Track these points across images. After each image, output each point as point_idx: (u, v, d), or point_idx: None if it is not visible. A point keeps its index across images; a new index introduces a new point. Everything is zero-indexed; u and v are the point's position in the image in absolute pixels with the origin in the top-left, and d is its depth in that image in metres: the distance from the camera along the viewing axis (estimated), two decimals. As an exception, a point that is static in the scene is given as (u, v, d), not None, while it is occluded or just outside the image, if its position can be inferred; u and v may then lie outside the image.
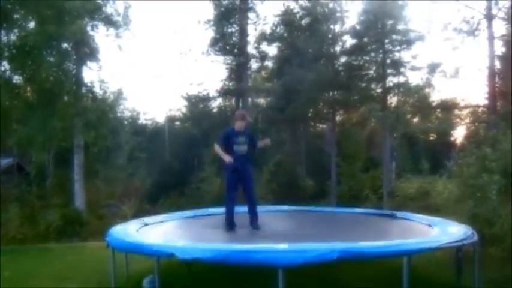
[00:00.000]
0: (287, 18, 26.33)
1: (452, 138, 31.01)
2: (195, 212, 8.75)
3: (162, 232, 6.41)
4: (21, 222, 14.77)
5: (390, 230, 7.01)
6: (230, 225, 6.53)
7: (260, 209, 8.79)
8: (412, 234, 5.70)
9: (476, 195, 7.16)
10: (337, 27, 24.85)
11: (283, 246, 4.27)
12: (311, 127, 32.89)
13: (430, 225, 6.16)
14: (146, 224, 6.79)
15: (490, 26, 19.48)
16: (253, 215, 6.59)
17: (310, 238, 5.07)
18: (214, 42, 26.52)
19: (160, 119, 45.49)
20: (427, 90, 22.02)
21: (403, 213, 8.05)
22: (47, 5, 12.42)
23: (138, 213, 16.03)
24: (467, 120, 23.91)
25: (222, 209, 9.36)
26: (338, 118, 27.82)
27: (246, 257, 4.24)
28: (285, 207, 9.59)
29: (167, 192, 26.16)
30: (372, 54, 23.48)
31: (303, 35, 25.19)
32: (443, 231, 5.46)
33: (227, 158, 6.07)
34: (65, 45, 14.46)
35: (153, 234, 5.94)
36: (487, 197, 6.87)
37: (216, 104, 30.88)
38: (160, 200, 24.99)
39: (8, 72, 13.47)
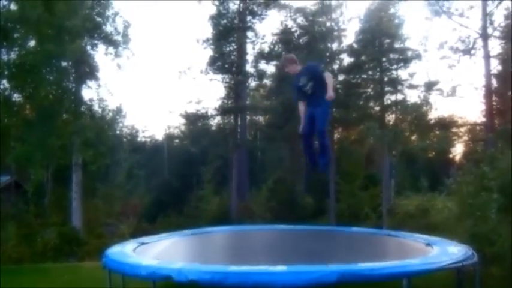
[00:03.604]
0: (285, 37, 26.55)
1: (450, 156, 31.03)
2: (193, 231, 8.68)
3: (159, 252, 6.34)
4: (18, 241, 14.63)
5: (389, 250, 6.95)
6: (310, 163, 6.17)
7: (258, 228, 8.74)
8: (412, 254, 5.64)
9: (475, 214, 7.15)
10: (334, 46, 25.09)
11: (281, 268, 4.22)
12: (310, 145, 32.87)
13: (429, 245, 6.10)
14: (143, 244, 6.72)
15: (485, 45, 19.69)
16: (321, 152, 6.02)
17: (309, 259, 5.02)
18: (212, 61, 26.69)
19: (159, 136, 45.60)
20: (424, 108, 22.12)
21: (401, 233, 7.99)
22: (47, 24, 12.53)
23: (136, 233, 15.92)
24: (465, 138, 23.96)
25: (220, 228, 9.35)
26: (336, 136, 27.86)
27: (244, 279, 4.18)
28: (283, 227, 9.52)
29: (165, 211, 26.04)
30: (370, 72, 23.65)
31: (301, 54, 25.38)
32: (443, 252, 5.40)
33: (301, 128, 5.81)
34: (64, 63, 14.57)
35: (150, 255, 5.87)
36: (487, 216, 6.86)
37: (214, 122, 30.93)
38: (159, 219, 24.85)
39: (7, 91, 13.53)
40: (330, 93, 5.52)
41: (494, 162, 7.83)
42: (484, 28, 19.63)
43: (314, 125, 5.76)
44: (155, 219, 24.66)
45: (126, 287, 6.19)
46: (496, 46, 20.42)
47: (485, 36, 19.63)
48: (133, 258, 5.35)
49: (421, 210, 19.67)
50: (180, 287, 5.69)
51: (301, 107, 5.93)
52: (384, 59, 22.57)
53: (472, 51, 20.10)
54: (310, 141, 6.06)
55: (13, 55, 13.38)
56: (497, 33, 20.04)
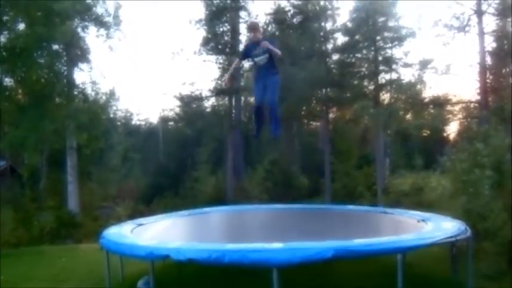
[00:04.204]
0: (279, 17, 26.30)
1: (445, 134, 31.17)
2: (190, 211, 8.73)
3: (157, 233, 6.39)
4: (15, 226, 14.66)
5: (384, 226, 7.04)
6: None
7: (255, 207, 8.81)
8: (406, 231, 5.72)
9: (469, 190, 7.21)
10: (328, 25, 24.92)
11: (277, 245, 4.27)
12: (304, 125, 32.95)
13: (423, 221, 6.18)
14: (140, 225, 6.76)
15: (480, 22, 19.62)
16: (273, 121, 6.23)
17: (304, 236, 5.07)
18: (206, 42, 26.45)
19: (154, 119, 45.46)
20: (419, 86, 22.13)
21: (396, 210, 8.08)
22: (36, 7, 12.32)
23: (132, 214, 15.99)
24: (460, 116, 24.03)
25: (216, 208, 9.42)
26: (331, 116, 27.86)
27: (240, 257, 4.23)
28: (279, 206, 9.59)
29: (161, 193, 26.14)
30: (364, 51, 23.55)
31: (294, 33, 25.18)
32: (437, 227, 5.48)
33: (226, 79, 6.07)
34: (55, 46, 14.37)
35: (147, 236, 5.92)
36: (480, 192, 6.92)
37: (209, 103, 30.84)
38: (155, 201, 24.95)
39: (-2, 75, 13.39)
40: (278, 51, 5.97)
41: (488, 140, 7.87)
42: (479, 4, 19.53)
43: (266, 95, 6.04)
44: (151, 201, 24.76)
45: (124, 269, 6.27)
46: (490, 23, 20.37)
47: (479, 12, 19.54)
48: (131, 239, 5.39)
49: (415, 189, 19.89)
50: (178, 266, 5.78)
51: (235, 65, 6.44)
52: (378, 38, 22.45)
53: (467, 29, 20.03)
54: (261, 110, 6.25)
55: (3, 38, 13.18)
56: (491, 10, 19.95)
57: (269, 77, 6.11)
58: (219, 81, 27.59)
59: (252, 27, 6.21)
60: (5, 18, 12.75)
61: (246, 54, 6.13)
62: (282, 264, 4.11)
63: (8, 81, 13.82)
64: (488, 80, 20.97)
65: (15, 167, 23.93)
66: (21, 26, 13.37)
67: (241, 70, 27.91)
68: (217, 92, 27.64)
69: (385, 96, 24.09)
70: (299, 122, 30.34)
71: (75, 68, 17.34)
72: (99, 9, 17.41)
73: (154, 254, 4.64)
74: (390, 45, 22.68)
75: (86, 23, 16.93)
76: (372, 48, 22.79)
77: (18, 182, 21.37)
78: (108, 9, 17.70)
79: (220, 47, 26.61)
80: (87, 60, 17.36)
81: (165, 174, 29.47)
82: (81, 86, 17.09)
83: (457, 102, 23.27)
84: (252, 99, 34.48)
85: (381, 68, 23.01)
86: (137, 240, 5.35)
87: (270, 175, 24.31)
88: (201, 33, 27.04)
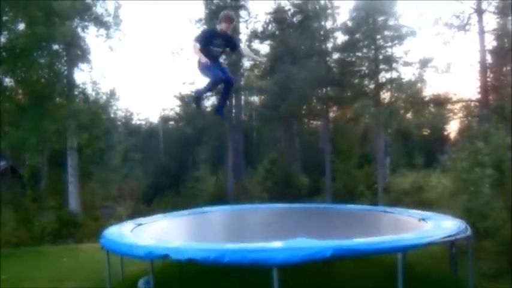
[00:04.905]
0: (279, 16, 26.30)
1: (445, 133, 31.17)
2: (190, 211, 8.73)
3: (157, 232, 6.39)
4: (16, 226, 14.67)
5: (384, 225, 7.04)
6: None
7: (254, 207, 8.81)
8: (406, 230, 5.72)
9: (469, 189, 7.19)
10: (328, 24, 24.90)
11: (277, 244, 4.27)
12: (305, 124, 32.94)
13: (423, 220, 6.18)
14: (140, 225, 6.77)
15: (480, 20, 19.58)
16: (225, 97, 6.37)
17: (304, 236, 5.07)
18: (206, 41, 26.43)
19: (154, 119, 45.45)
20: (419, 85, 22.09)
21: (397, 209, 8.08)
22: (36, 6, 12.31)
23: (133, 214, 15.99)
24: (460, 115, 24.00)
25: (216, 208, 9.41)
26: (332, 115, 27.86)
27: (240, 257, 4.23)
28: (279, 205, 9.59)
29: (162, 192, 26.17)
30: (364, 50, 23.51)
31: (294, 32, 25.17)
32: (437, 226, 5.48)
33: (203, 59, 5.52)
34: (55, 46, 14.37)
35: (147, 235, 5.92)
36: (480, 191, 6.91)
37: (209, 103, 30.80)
38: (156, 200, 24.97)
39: (-2, 75, 13.37)
40: (261, 58, 5.78)
41: (488, 138, 7.85)
42: (479, 3, 19.50)
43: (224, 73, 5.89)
44: (152, 201, 24.79)
45: (124, 268, 6.28)
46: (491, 21, 20.33)
47: (480, 11, 19.50)
48: (131, 239, 5.40)
49: (415, 187, 19.86)
50: (177, 266, 5.78)
51: (199, 50, 5.69)
52: (378, 37, 22.41)
53: (467, 27, 19.99)
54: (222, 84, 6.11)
55: (3, 39, 13.18)
56: (492, 8, 19.91)
57: (221, 64, 6.12)
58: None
59: (231, 20, 5.92)
60: (4, 18, 12.74)
61: (207, 40, 5.76)
62: (282, 264, 4.11)
63: (8, 81, 13.80)
64: (488, 79, 20.93)
65: (16, 167, 23.97)
66: (21, 26, 13.37)
67: (241, 69, 27.95)
68: (217, 91, 27.62)
69: (386, 95, 24.06)
70: (299, 121, 30.34)
71: (76, 68, 17.38)
72: (99, 9, 17.47)
73: (153, 253, 4.64)
74: (390, 44, 22.63)
75: (86, 23, 16.96)
76: (372, 47, 22.75)
77: (19, 182, 21.41)
78: (108, 9, 17.75)
79: (220, 46, 26.59)
80: (88, 60, 17.39)
81: (166, 173, 29.49)
82: (81, 86, 17.13)
83: (458, 101, 23.25)
84: (253, 98, 34.52)
85: (381, 66, 22.98)
86: (137, 240, 5.35)
87: (270, 174, 24.29)
88: (201, 32, 27.03)
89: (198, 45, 5.52)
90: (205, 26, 26.52)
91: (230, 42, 6.00)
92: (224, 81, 5.91)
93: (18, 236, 14.04)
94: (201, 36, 5.70)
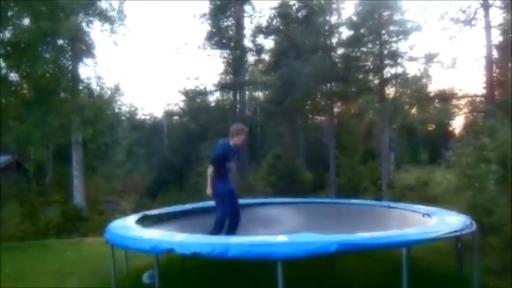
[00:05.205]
0: (283, 11, 26.23)
1: (450, 128, 31.02)
2: (194, 205, 8.73)
3: (161, 226, 6.40)
4: (21, 220, 14.77)
5: (388, 220, 7.02)
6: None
7: (259, 201, 8.80)
8: (411, 225, 5.70)
9: (474, 185, 7.16)
10: (333, 19, 24.82)
11: (282, 239, 4.26)
12: (309, 119, 32.91)
13: (428, 215, 6.15)
14: (145, 219, 6.77)
15: (487, 15, 19.45)
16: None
17: (309, 230, 5.06)
18: (210, 36, 26.43)
19: (159, 114, 45.50)
20: (424, 80, 22.00)
21: (401, 204, 8.05)
22: (40, 1, 12.32)
23: (137, 208, 16.05)
24: (465, 110, 23.89)
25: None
26: (336, 110, 27.82)
27: (244, 251, 4.22)
28: (284, 200, 9.58)
29: (166, 187, 26.25)
30: (369, 45, 23.43)
31: (299, 28, 25.10)
32: (442, 221, 5.45)
33: (208, 191, 5.61)
34: (60, 41, 14.37)
35: (152, 229, 5.93)
36: (486, 187, 6.87)
37: (213, 98, 30.85)
38: (160, 195, 25.05)
39: (3, 70, 13.40)
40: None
41: (494, 134, 7.80)
42: (485, -3, 19.37)
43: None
44: (156, 196, 24.87)
45: (129, 262, 6.29)
46: (497, 16, 20.18)
47: (486, 6, 19.37)
48: (135, 233, 5.40)
49: (420, 183, 19.82)
50: (182, 260, 5.79)
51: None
52: (383, 32, 22.32)
53: (473, 22, 19.86)
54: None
55: (8, 34, 13.20)
56: (498, 3, 19.76)
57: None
58: (223, 76, 27.53)
59: (243, 132, 5.87)
60: (9, 13, 12.75)
61: (228, 157, 5.73)
62: (286, 258, 4.10)
63: (13, 76, 13.85)
64: (494, 74, 20.82)
65: (21, 161, 24.09)
66: (26, 21, 13.39)
67: (246, 64, 27.90)
68: (222, 86, 27.62)
69: (390, 91, 24.01)
70: (304, 116, 30.31)
71: (80, 63, 17.41)
72: (103, 4, 17.49)
73: (158, 247, 4.64)
74: (395, 39, 22.53)
75: (91, 18, 16.96)
76: (377, 42, 22.67)
77: (24, 177, 21.53)
78: (112, 4, 17.78)
79: (224, 41, 26.59)
80: (92, 55, 17.42)
81: (170, 168, 29.57)
82: (86, 80, 17.16)
83: (463, 96, 23.13)
84: (257, 93, 34.43)
85: (386, 62, 22.89)
86: (141, 234, 5.35)
87: (274, 169, 24.31)
88: (206, 27, 27.06)
89: (211, 168, 5.58)
90: (209, 21, 26.48)
91: (237, 153, 5.94)
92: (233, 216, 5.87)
93: (23, 230, 14.14)
94: (223, 155, 5.67)
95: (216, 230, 5.93)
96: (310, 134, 31.49)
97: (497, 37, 20.39)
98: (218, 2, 26.18)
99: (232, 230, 6.09)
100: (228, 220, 6.01)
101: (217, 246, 4.31)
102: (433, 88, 22.58)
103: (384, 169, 22.24)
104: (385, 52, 22.64)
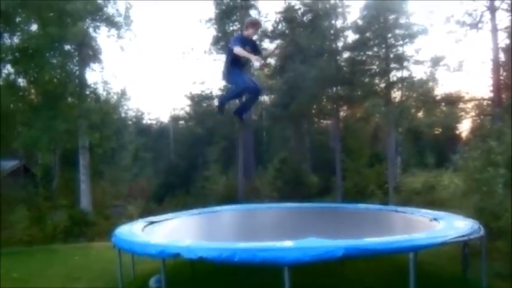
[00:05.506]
0: (289, 15, 26.26)
1: (457, 132, 30.88)
2: (201, 210, 8.75)
3: (168, 231, 6.41)
4: (28, 224, 14.84)
5: (395, 225, 6.99)
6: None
7: (265, 206, 8.81)
8: (418, 229, 5.67)
9: (482, 189, 7.12)
10: (339, 23, 24.79)
11: (288, 244, 4.26)
12: (315, 123, 32.85)
13: (435, 220, 6.12)
14: (151, 223, 6.79)
15: (493, 18, 19.35)
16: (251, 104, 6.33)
17: (315, 235, 5.05)
18: (216, 41, 26.51)
19: (165, 118, 45.64)
20: (430, 84, 21.90)
21: (408, 208, 8.01)
22: (48, 7, 12.44)
23: (144, 213, 16.09)
24: (472, 114, 23.77)
25: (227, 207, 9.42)
26: (342, 114, 27.74)
27: (251, 256, 4.23)
28: (290, 205, 9.57)
29: (173, 192, 26.27)
30: (375, 49, 23.36)
31: (304, 31, 25.11)
32: (449, 226, 5.43)
33: (254, 58, 5.44)
34: (67, 47, 14.50)
35: (159, 234, 5.95)
36: (493, 191, 6.83)
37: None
38: (166, 199, 25.07)
39: (11, 75, 13.52)
40: (275, 49, 5.86)
41: (501, 137, 7.75)
42: (492, 1, 19.26)
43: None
44: (162, 200, 24.89)
45: (136, 267, 6.31)
46: (504, 19, 20.07)
47: (492, 8, 19.27)
48: (142, 237, 5.42)
49: (427, 187, 19.72)
50: (189, 265, 5.80)
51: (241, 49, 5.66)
52: (389, 35, 22.27)
53: (479, 25, 19.77)
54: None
55: (16, 40, 13.34)
56: (504, 6, 19.66)
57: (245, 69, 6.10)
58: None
59: (258, 24, 6.05)
60: (17, 19, 12.89)
61: (241, 45, 5.66)
62: (293, 263, 4.10)
63: (21, 81, 13.97)
64: (501, 77, 20.68)
65: (28, 166, 24.22)
66: (34, 27, 13.53)
67: (251, 69, 27.91)
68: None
69: (397, 94, 23.90)
70: (309, 120, 30.26)
71: (87, 68, 17.50)
72: (110, 10, 17.58)
73: (165, 252, 4.66)
74: (401, 42, 22.46)
75: (97, 24, 17.08)
76: (383, 45, 22.61)
77: (32, 181, 21.64)
78: (118, 10, 17.86)
79: (230, 45, 26.64)
80: (99, 60, 17.52)
81: (176, 173, 29.61)
82: (92, 85, 17.25)
83: (470, 100, 23.03)
84: (263, 98, 34.43)
85: (392, 65, 22.81)
86: (148, 238, 5.38)
87: (280, 174, 24.27)
88: (211, 32, 27.13)
89: (239, 48, 5.47)
90: (215, 26, 26.61)
91: (256, 47, 5.96)
92: (252, 90, 5.93)
93: (30, 234, 14.20)
94: (238, 40, 5.66)
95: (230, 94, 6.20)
96: (316, 138, 31.44)
97: (503, 40, 20.29)
98: (224, 7, 26.30)
99: (247, 105, 6.25)
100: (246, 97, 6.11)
101: (224, 251, 4.32)
102: (439, 91, 22.49)
103: (390, 173, 22.14)
104: (391, 56, 22.57)
